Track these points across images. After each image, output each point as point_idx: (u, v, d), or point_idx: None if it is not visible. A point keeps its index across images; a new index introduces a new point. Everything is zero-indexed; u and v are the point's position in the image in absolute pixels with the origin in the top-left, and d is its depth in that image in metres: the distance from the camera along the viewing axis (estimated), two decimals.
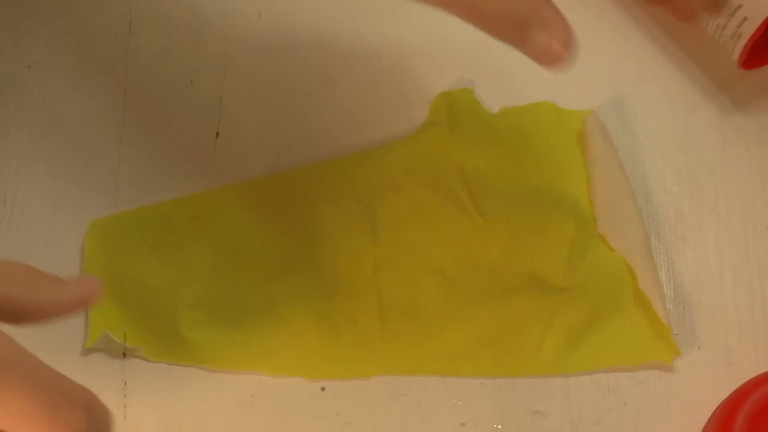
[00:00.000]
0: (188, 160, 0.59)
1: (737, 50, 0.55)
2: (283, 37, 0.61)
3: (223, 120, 0.59)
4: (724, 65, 0.60)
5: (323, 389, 0.54)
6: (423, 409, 0.54)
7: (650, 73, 0.62)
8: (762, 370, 0.53)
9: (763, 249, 0.57)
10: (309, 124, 0.59)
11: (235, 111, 0.59)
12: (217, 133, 0.59)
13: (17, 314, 0.36)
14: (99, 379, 0.56)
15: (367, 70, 0.61)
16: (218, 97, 0.60)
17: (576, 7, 0.51)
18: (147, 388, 0.56)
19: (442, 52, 0.63)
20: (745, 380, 0.53)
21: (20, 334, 0.35)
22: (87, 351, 0.56)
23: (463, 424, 0.53)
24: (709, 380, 0.54)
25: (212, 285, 0.54)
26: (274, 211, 0.55)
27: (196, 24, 0.61)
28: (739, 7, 0.52)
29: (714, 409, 0.54)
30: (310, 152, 0.59)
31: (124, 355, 0.55)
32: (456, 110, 0.56)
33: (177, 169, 0.59)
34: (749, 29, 0.53)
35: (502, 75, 0.61)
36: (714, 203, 0.58)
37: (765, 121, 0.60)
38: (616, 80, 0.62)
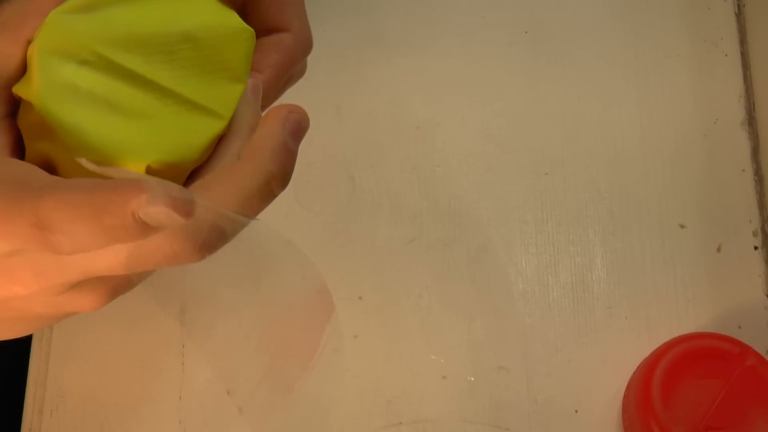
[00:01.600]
0: None
1: None
2: None
3: None
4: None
5: (336, 350, 0.58)
6: (412, 367, 0.61)
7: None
8: (674, 335, 0.59)
9: (675, 242, 0.65)
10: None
11: None
12: None
13: None
14: (160, 343, 0.62)
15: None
16: None
17: None
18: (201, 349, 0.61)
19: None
20: (662, 343, 0.59)
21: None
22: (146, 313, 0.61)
23: (444, 377, 0.61)
24: (634, 343, 0.62)
25: None
26: None
27: None
28: None
29: (638, 365, 0.60)
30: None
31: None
32: None
33: None
34: None
35: None
36: (637, 206, 0.66)
37: (676, 141, 0.67)
38: None
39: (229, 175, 0.35)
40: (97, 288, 0.34)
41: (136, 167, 0.36)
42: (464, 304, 0.64)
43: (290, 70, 0.43)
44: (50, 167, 0.36)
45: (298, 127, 0.36)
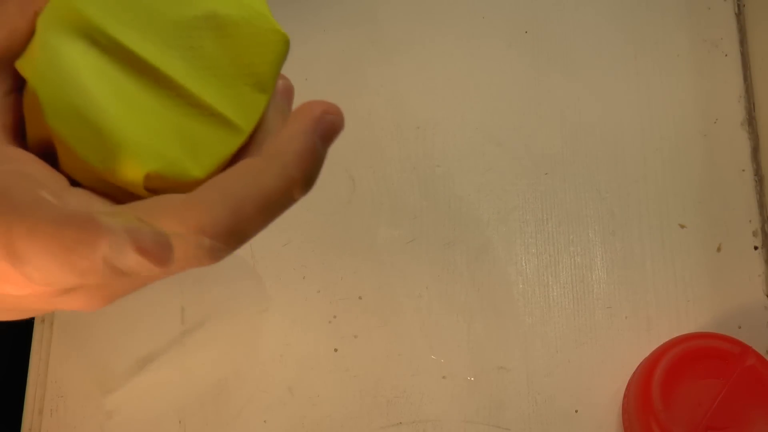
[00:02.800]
0: None
1: None
2: None
3: None
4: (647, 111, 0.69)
5: (336, 350, 0.62)
6: (412, 367, 0.62)
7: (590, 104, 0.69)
8: (674, 335, 0.59)
9: (675, 242, 0.65)
10: None
11: None
12: None
13: None
14: (160, 342, 0.62)
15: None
16: None
17: None
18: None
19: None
20: (662, 343, 0.59)
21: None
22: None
23: (444, 377, 0.62)
24: (634, 343, 0.62)
25: None
26: None
27: None
28: None
29: (638, 365, 0.60)
30: None
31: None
32: None
33: None
34: None
35: None
36: (637, 206, 0.66)
37: (676, 141, 0.67)
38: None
39: (248, 173, 0.31)
40: (93, 292, 0.32)
41: (133, 174, 0.32)
42: (464, 304, 0.64)
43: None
44: (50, 151, 0.33)
45: (331, 129, 0.33)
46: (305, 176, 0.32)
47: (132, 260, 0.26)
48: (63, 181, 0.32)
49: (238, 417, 0.61)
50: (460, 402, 0.61)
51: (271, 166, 0.31)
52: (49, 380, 0.63)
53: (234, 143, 0.34)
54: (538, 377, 0.62)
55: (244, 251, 0.65)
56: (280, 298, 0.64)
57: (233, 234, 0.29)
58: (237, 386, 0.62)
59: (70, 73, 0.31)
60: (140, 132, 0.32)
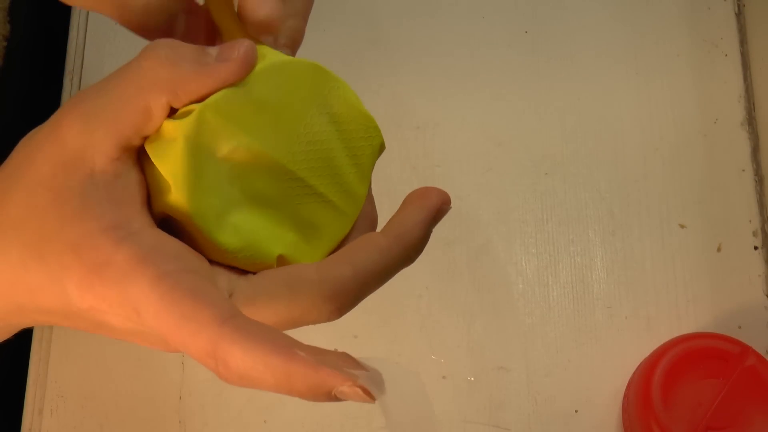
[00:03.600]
0: None
1: None
2: None
3: None
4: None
5: (336, 350, 0.62)
6: (413, 366, 0.60)
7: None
8: (674, 335, 0.60)
9: (675, 241, 0.65)
10: None
11: None
12: None
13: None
14: None
15: None
16: None
17: None
18: None
19: None
20: (662, 343, 0.59)
21: None
22: None
23: (444, 377, 0.62)
24: (634, 343, 0.62)
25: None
26: None
27: None
28: None
29: (638, 365, 0.60)
30: None
31: None
32: None
33: None
34: None
35: None
36: (637, 206, 0.66)
37: (676, 141, 0.67)
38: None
39: (375, 250, 0.35)
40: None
41: (268, 259, 0.36)
42: (464, 304, 0.64)
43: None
44: (171, 225, 0.35)
45: (442, 215, 0.37)
46: (418, 255, 0.36)
47: (354, 396, 0.30)
48: (206, 263, 0.34)
49: (238, 417, 0.61)
50: (460, 402, 0.61)
51: (395, 246, 0.35)
52: (49, 380, 0.63)
53: (345, 227, 0.39)
54: (538, 377, 0.62)
55: None
56: None
57: (355, 302, 0.35)
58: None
59: (215, 192, 0.34)
60: (270, 223, 0.36)
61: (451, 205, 0.37)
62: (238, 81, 0.34)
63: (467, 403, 0.61)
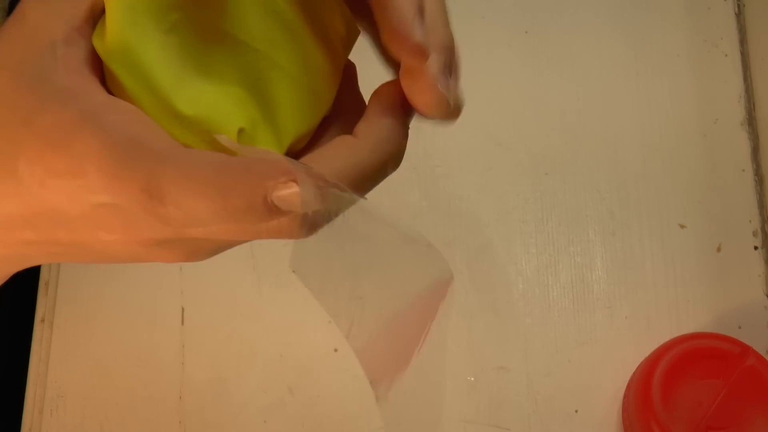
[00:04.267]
0: None
1: None
2: None
3: None
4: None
5: (336, 350, 0.61)
6: (413, 367, 0.62)
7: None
8: (674, 335, 0.60)
9: (675, 241, 0.65)
10: None
11: None
12: None
13: None
14: (160, 343, 0.62)
15: None
16: None
17: None
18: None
19: None
20: (662, 343, 0.59)
21: None
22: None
23: None
24: (634, 343, 0.62)
25: None
26: None
27: None
28: None
29: (638, 365, 0.60)
30: None
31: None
32: None
33: None
34: None
35: None
36: (637, 206, 0.66)
37: (676, 141, 0.67)
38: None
39: (346, 150, 0.33)
40: (177, 248, 0.32)
41: (228, 130, 0.33)
42: (464, 304, 0.63)
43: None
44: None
45: (411, 109, 0.35)
46: (398, 151, 0.34)
47: (294, 197, 0.27)
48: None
49: (238, 417, 0.61)
50: (460, 402, 0.61)
51: (367, 143, 0.33)
52: (49, 380, 0.63)
53: (314, 108, 0.36)
54: (538, 377, 0.62)
55: (244, 251, 0.64)
56: (280, 298, 0.64)
57: (328, 209, 0.31)
58: (237, 386, 0.62)
59: (145, 55, 0.31)
60: (232, 96, 0.33)
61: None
62: None
63: (467, 403, 0.61)
